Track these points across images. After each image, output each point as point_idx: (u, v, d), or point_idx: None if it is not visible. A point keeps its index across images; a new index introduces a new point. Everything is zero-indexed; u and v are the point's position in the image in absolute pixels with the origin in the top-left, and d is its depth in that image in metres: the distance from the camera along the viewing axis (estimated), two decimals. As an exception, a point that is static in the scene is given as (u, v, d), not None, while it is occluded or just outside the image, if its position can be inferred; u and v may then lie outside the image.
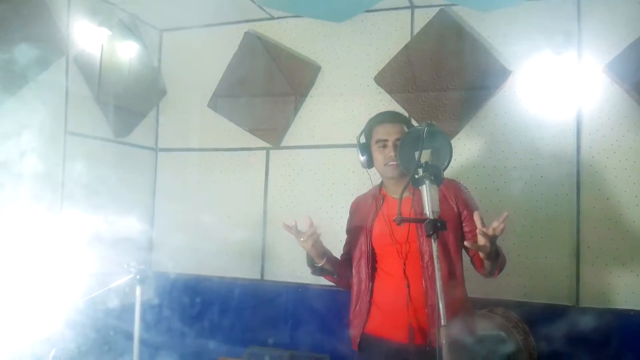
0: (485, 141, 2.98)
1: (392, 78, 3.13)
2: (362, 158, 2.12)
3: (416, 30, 3.14)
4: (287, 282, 3.28)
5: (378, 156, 2.06)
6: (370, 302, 2.03)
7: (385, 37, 3.21)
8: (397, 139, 1.98)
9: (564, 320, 2.73)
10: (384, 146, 2.03)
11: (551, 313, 2.76)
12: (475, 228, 1.98)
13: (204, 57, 3.61)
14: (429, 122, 1.70)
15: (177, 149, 3.66)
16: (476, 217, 1.72)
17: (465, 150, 2.99)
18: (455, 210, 1.99)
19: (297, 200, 3.34)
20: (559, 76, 2.86)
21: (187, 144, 3.63)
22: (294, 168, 3.37)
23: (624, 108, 2.75)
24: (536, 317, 2.69)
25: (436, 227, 1.46)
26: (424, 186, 1.57)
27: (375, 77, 3.17)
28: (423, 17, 3.12)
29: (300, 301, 3.18)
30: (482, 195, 2.86)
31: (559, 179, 2.83)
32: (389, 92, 3.14)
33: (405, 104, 3.09)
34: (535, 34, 2.90)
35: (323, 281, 3.13)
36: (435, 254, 1.44)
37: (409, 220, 1.63)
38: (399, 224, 1.67)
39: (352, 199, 3.14)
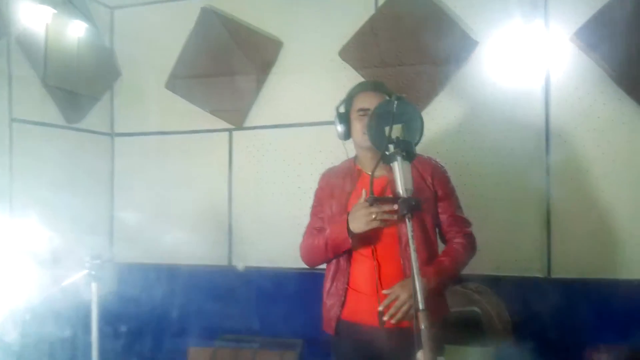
0: (454, 115, 2.92)
1: (358, 53, 3.02)
2: (340, 128, 2.02)
3: (381, 1, 3.03)
4: (256, 267, 3.18)
5: (357, 125, 1.96)
6: (346, 284, 1.96)
7: (349, 9, 3.08)
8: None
9: (536, 292, 2.72)
10: (365, 115, 1.93)
11: (523, 285, 2.75)
12: (448, 212, 1.93)
13: (159, 35, 3.43)
14: (398, 95, 1.61)
15: (135, 134, 3.49)
16: None
17: (434, 124, 2.92)
18: (432, 189, 1.92)
19: (263, 181, 3.23)
20: (526, 45, 2.80)
21: (146, 128, 3.46)
22: (258, 149, 3.25)
23: (592, 77, 2.72)
24: (509, 290, 2.68)
25: (411, 206, 1.38)
26: (395, 163, 1.48)
27: (339, 51, 3.05)
28: (387, -12, 3.02)
29: (271, 286, 3.09)
30: (453, 170, 2.75)
31: (528, 150, 2.80)
32: (355, 67, 3.03)
33: (372, 78, 2.98)
34: (501, 3, 2.83)
35: (293, 264, 3.08)
36: (410, 234, 1.36)
37: (381, 200, 1.55)
38: (371, 205, 1.59)
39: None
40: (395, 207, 1.67)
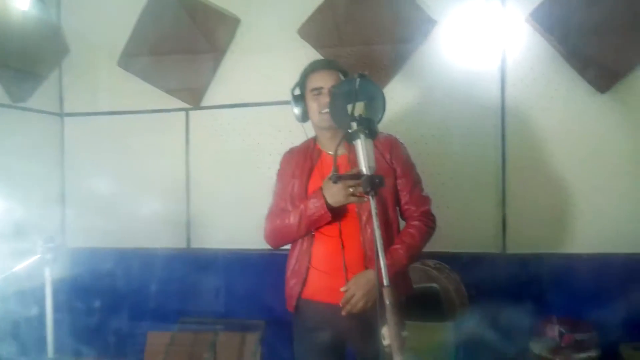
0: (413, 94, 2.93)
1: (317, 31, 2.98)
2: (297, 110, 2.01)
3: (340, -21, 2.99)
4: (216, 249, 3.14)
5: (313, 105, 1.95)
6: (308, 264, 1.95)
7: (308, -14, 3.04)
8: (333, 87, 1.88)
9: (492, 268, 2.80)
10: (319, 94, 1.92)
11: (480, 261, 2.82)
12: (407, 189, 1.94)
13: (110, 10, 3.28)
14: (360, 72, 1.59)
15: (86, 114, 3.34)
16: None
17: (393, 103, 2.90)
18: (391, 167, 1.92)
19: (221, 162, 3.17)
20: (484, 25, 2.83)
21: (97, 108, 3.32)
22: (216, 129, 3.18)
23: (546, 58, 2.77)
24: (466, 266, 2.75)
25: (374, 183, 1.37)
26: (358, 141, 1.47)
27: (298, 30, 3.00)
28: (346, -35, 2.98)
29: (231, 268, 3.06)
30: (411, 149, 2.77)
31: (485, 129, 2.85)
32: (314, 46, 2.99)
33: (332, 57, 2.94)
34: (459, -18, 2.84)
35: (253, 246, 3.05)
36: (374, 212, 1.36)
37: (345, 177, 1.54)
38: (334, 182, 1.58)
39: (279, 158, 3.04)
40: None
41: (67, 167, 3.38)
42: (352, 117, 1.49)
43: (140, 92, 3.24)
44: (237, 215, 3.12)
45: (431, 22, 2.87)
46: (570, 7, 2.70)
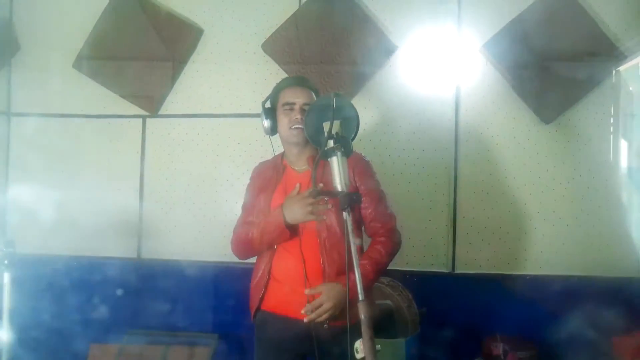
0: (371, 114, 3.00)
1: (280, 47, 3.01)
2: (266, 123, 2.02)
3: (305, -2, 3.05)
4: (167, 260, 3.08)
5: (283, 119, 1.97)
6: (269, 277, 1.97)
7: (273, 2, 3.06)
8: (305, 104, 1.92)
9: (441, 286, 2.91)
10: (291, 109, 1.95)
11: (430, 280, 2.91)
12: (371, 207, 1.97)
13: (66, 9, 3.19)
14: (336, 92, 1.64)
15: (36, 114, 3.21)
16: None
17: (352, 123, 2.99)
18: (354, 184, 1.96)
19: (178, 173, 3.13)
20: (440, 53, 2.95)
21: (48, 109, 3.19)
22: (173, 138, 3.14)
23: (497, 87, 2.93)
24: (417, 285, 2.83)
25: (352, 200, 1.41)
26: (334, 158, 1.51)
27: (262, 44, 3.03)
28: (312, -15, 3.04)
29: (183, 280, 2.99)
30: (369, 168, 2.90)
31: (438, 151, 2.96)
32: (277, 61, 3.02)
33: (294, 74, 2.99)
34: (420, 10, 2.96)
35: (207, 258, 3.02)
36: (349, 228, 1.40)
37: (325, 194, 1.56)
38: (314, 198, 1.60)
39: (237, 171, 3.06)
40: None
41: (13, 169, 3.23)
42: (330, 135, 1.53)
43: (95, 96, 3.15)
44: (192, 226, 3.08)
45: (392, 47, 2.97)
46: (520, 40, 2.88)
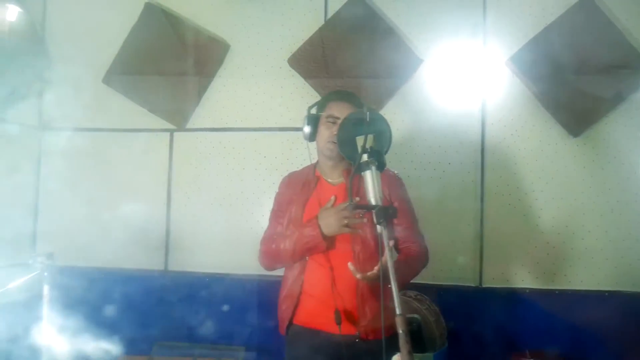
0: (397, 128, 3.00)
1: (306, 62, 3.05)
2: (307, 129, 2.04)
3: (330, 13, 3.08)
4: (194, 272, 3.10)
5: (325, 131, 1.99)
6: (300, 289, 1.96)
7: (299, 18, 3.11)
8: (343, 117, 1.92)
9: (468, 300, 2.88)
10: (333, 123, 1.97)
11: (457, 294, 2.89)
12: (404, 224, 1.98)
13: (97, 27, 3.26)
14: (369, 106, 1.66)
15: (66, 128, 3.27)
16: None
17: (378, 136, 3.00)
18: (388, 200, 1.97)
19: (204, 186, 3.16)
20: (466, 67, 2.96)
21: (78, 123, 3.26)
22: (200, 152, 3.18)
23: (524, 100, 2.92)
24: (444, 299, 2.81)
25: (388, 214, 1.42)
26: (368, 172, 1.52)
27: (288, 59, 3.06)
28: (337, 0, 3.07)
29: (209, 292, 3.02)
30: (395, 182, 2.90)
31: (465, 165, 2.95)
32: (303, 76, 3.05)
33: (319, 88, 3.03)
34: (445, 24, 2.97)
35: (232, 270, 3.03)
36: (386, 242, 1.40)
37: (361, 208, 1.57)
38: (352, 210, 1.60)
39: (263, 184, 3.08)
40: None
41: (43, 182, 3.29)
42: (364, 149, 1.54)
43: (124, 111, 3.22)
44: (218, 239, 3.10)
45: (417, 61, 2.98)
46: (547, 53, 2.87)
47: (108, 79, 3.21)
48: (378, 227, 1.49)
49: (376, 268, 1.70)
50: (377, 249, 1.92)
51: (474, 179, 2.94)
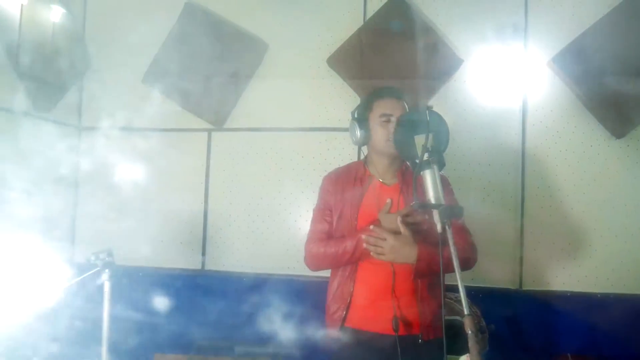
0: (436, 129, 2.99)
1: (345, 62, 3.04)
2: (359, 133, 1.98)
3: (369, 13, 3.07)
4: (231, 272, 3.11)
5: (381, 131, 1.95)
6: (352, 290, 1.95)
7: (338, 18, 3.11)
8: (401, 116, 1.91)
9: (508, 303, 2.85)
10: (388, 121, 1.94)
11: (496, 296, 2.86)
12: (454, 223, 1.94)
13: (136, 27, 3.26)
14: (428, 104, 1.65)
15: (105, 128, 3.31)
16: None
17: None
18: None
19: (242, 185, 3.17)
20: (507, 67, 2.94)
21: (117, 123, 3.27)
22: (238, 151, 3.19)
23: (565, 101, 2.89)
24: (484, 301, 2.78)
25: (453, 213, 1.41)
26: (428, 171, 1.51)
27: (328, 59, 3.06)
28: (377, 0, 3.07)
29: (246, 292, 3.02)
30: (434, 182, 2.88)
31: (505, 167, 2.93)
32: (342, 76, 3.05)
33: (358, 89, 3.02)
34: (485, 23, 2.95)
35: (270, 270, 3.04)
36: (451, 240, 1.39)
37: (426, 207, 1.55)
38: (416, 209, 1.59)
39: (301, 184, 3.08)
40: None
41: (82, 182, 3.32)
42: (425, 148, 1.53)
43: (162, 111, 3.22)
44: (254, 239, 3.11)
45: (458, 61, 2.96)
46: (590, 54, 2.83)
47: (147, 79, 3.24)
48: (439, 226, 1.48)
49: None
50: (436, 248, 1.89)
51: (514, 180, 2.91)
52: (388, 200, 1.92)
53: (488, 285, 2.88)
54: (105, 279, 1.81)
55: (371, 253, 1.85)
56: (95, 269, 1.79)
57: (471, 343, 1.30)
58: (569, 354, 2.67)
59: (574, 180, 2.87)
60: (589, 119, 2.87)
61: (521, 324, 2.78)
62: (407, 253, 1.82)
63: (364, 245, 1.85)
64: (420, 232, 1.85)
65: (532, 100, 2.93)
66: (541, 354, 2.74)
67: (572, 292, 2.82)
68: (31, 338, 2.18)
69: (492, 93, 2.95)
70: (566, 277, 2.85)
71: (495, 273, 2.88)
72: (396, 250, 1.82)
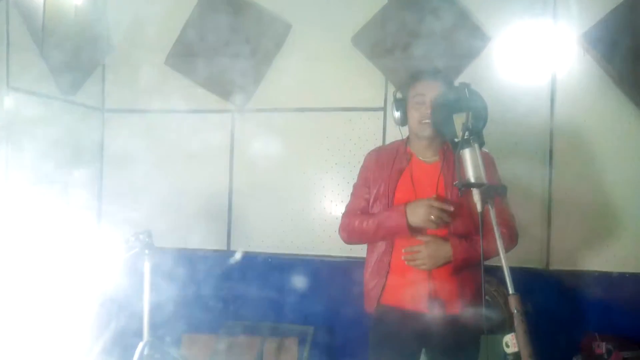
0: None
1: (370, 41, 3.00)
2: (397, 114, 2.00)
3: (394, -10, 3.02)
4: (256, 252, 3.13)
5: (414, 113, 1.94)
6: (388, 267, 1.94)
7: (361, -4, 3.06)
8: (438, 95, 1.86)
9: (535, 283, 2.83)
10: (422, 102, 1.92)
11: (524, 276, 2.83)
12: (500, 207, 1.90)
13: (157, 9, 3.26)
14: (465, 82, 1.62)
15: (128, 110, 3.31)
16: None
17: (442, 116, 2.96)
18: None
19: (266, 165, 3.15)
20: (536, 44, 2.88)
21: (140, 105, 3.29)
22: (262, 132, 3.18)
23: (595, 78, 2.84)
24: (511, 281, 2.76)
25: (497, 192, 1.39)
26: (467, 150, 1.49)
27: (352, 38, 3.02)
28: (401, -23, 3.01)
29: (271, 272, 3.05)
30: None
31: (533, 145, 2.90)
32: (367, 55, 3.01)
33: (384, 68, 2.99)
34: (513, 1, 2.89)
35: (295, 251, 3.06)
36: (494, 220, 1.38)
37: (469, 186, 1.53)
38: (460, 189, 1.58)
39: (326, 164, 3.08)
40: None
41: (106, 162, 3.34)
42: (466, 126, 1.51)
43: (185, 92, 3.22)
44: (280, 219, 3.12)
45: (485, 38, 2.91)
46: (621, 30, 2.76)
47: (170, 61, 3.22)
48: (479, 205, 1.47)
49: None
50: (474, 226, 1.88)
51: (542, 158, 2.88)
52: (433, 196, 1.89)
53: (515, 265, 2.84)
54: (145, 259, 1.82)
55: (413, 265, 1.88)
56: (134, 250, 1.79)
57: (517, 322, 1.30)
58: (596, 334, 2.66)
59: (603, 159, 2.84)
60: (619, 96, 2.82)
61: (549, 304, 2.77)
62: (443, 254, 1.86)
63: (406, 263, 1.88)
64: (452, 220, 1.85)
65: (561, 78, 2.88)
66: (569, 334, 2.73)
67: (599, 271, 2.81)
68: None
69: (520, 71, 2.90)
70: (593, 257, 2.83)
71: (522, 253, 2.84)
72: (433, 256, 1.85)
